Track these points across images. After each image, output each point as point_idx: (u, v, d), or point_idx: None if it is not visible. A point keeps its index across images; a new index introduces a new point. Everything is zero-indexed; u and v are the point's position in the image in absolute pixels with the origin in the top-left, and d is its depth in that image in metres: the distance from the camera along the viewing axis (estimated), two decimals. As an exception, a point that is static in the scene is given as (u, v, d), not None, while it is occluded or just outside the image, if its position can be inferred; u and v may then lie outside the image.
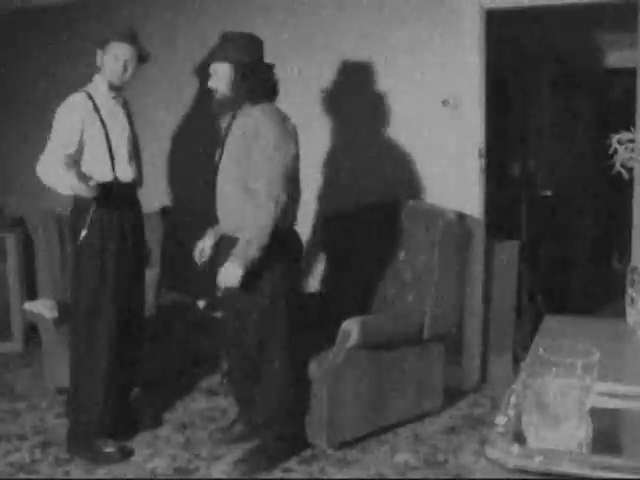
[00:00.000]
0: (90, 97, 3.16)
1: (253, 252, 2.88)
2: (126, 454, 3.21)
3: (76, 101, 3.14)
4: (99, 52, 3.18)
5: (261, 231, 2.88)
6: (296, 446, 3.19)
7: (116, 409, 3.24)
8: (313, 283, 4.03)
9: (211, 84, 3.02)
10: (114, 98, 3.23)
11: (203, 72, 3.14)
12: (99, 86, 3.21)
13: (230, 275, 2.90)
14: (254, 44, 3.03)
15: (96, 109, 3.15)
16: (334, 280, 3.88)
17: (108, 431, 3.21)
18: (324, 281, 3.99)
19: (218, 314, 3.46)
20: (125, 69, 3.16)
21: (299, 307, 3.16)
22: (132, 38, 3.17)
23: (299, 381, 3.15)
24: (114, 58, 3.14)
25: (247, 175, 2.95)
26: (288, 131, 2.97)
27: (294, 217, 3.11)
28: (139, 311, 3.36)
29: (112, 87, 3.20)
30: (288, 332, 3.06)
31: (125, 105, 3.32)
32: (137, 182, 3.32)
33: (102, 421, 3.19)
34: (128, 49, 3.15)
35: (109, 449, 3.18)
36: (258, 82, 3.01)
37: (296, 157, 3.01)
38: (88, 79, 3.25)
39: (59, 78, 4.53)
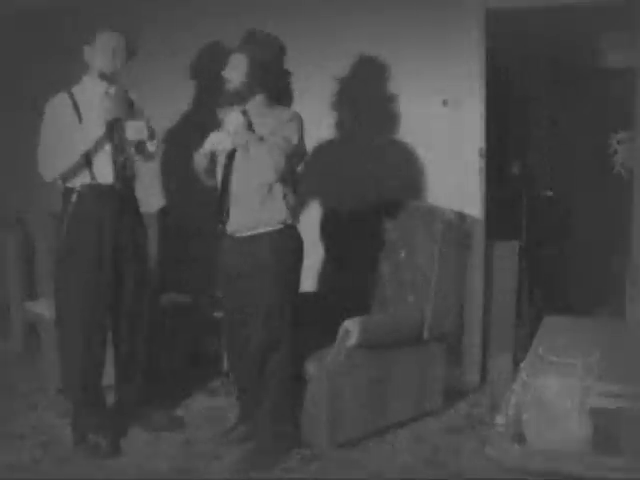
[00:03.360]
0: (71, 97, 3.18)
1: (253, 139, 2.95)
2: (115, 450, 3.23)
3: (52, 105, 3.19)
4: (87, 48, 3.19)
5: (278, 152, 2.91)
6: (293, 445, 3.20)
7: (97, 406, 3.32)
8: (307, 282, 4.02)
9: (224, 73, 3.04)
10: (103, 95, 3.18)
11: (201, 72, 3.16)
12: (85, 85, 3.22)
13: (235, 121, 2.99)
14: (276, 45, 3.07)
15: (76, 109, 3.16)
16: (334, 280, 3.88)
17: (94, 426, 3.26)
18: (324, 281, 3.98)
19: (219, 314, 3.46)
20: (114, 55, 3.17)
21: (300, 306, 3.18)
22: (117, 26, 3.19)
23: (296, 380, 3.16)
24: (102, 47, 3.16)
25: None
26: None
27: (297, 216, 3.15)
28: (131, 313, 3.35)
29: (103, 77, 3.20)
30: (292, 331, 3.08)
31: (123, 100, 3.26)
32: (123, 183, 3.25)
33: (82, 416, 3.27)
34: (115, 37, 3.17)
35: (99, 443, 3.22)
36: (275, 82, 3.04)
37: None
38: (73, 75, 3.27)
39: (60, 78, 4.52)
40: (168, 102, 4.41)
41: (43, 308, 3.83)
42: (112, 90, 3.23)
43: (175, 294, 4.23)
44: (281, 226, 3.04)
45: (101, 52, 3.16)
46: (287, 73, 3.12)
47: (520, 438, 1.34)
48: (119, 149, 3.23)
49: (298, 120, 3.03)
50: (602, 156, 5.57)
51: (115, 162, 3.21)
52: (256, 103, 3.06)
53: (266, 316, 3.02)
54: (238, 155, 3.06)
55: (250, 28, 3.09)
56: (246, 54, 3.01)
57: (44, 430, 3.48)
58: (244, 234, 3.06)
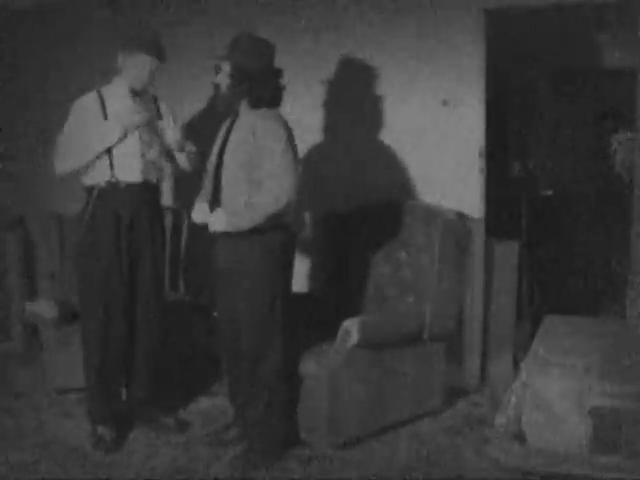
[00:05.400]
0: (100, 97, 3.24)
1: (245, 223, 2.97)
2: (118, 446, 3.27)
3: (81, 104, 3.25)
4: (121, 55, 3.23)
5: (263, 210, 2.94)
6: (288, 444, 3.20)
7: (110, 399, 3.37)
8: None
9: (216, 80, 3.08)
10: (132, 98, 3.25)
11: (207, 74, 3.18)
12: (116, 88, 3.28)
13: (216, 222, 3.01)
14: (261, 49, 3.06)
15: (103, 109, 3.22)
16: (334, 280, 3.88)
17: (104, 419, 3.32)
18: (324, 281, 3.98)
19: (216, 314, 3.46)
20: (149, 77, 3.25)
21: (297, 307, 3.18)
22: (158, 49, 3.23)
23: (292, 380, 3.17)
24: (140, 68, 3.21)
25: (255, 176, 2.99)
26: (290, 136, 3.04)
27: (290, 217, 3.12)
28: (145, 312, 3.38)
29: (134, 92, 3.27)
30: (285, 333, 3.08)
31: (151, 103, 3.35)
32: (149, 183, 3.30)
33: (95, 406, 3.34)
34: (154, 61, 3.22)
35: (104, 436, 3.28)
36: (260, 87, 3.04)
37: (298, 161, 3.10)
38: (98, 79, 3.30)
39: (63, 79, 4.53)
40: (182, 103, 4.40)
41: (43, 308, 3.83)
42: (137, 99, 3.29)
43: (175, 294, 4.23)
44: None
45: (138, 74, 3.21)
46: (278, 72, 3.11)
47: (520, 438, 1.34)
48: (149, 146, 3.28)
49: (272, 142, 2.99)
50: (602, 156, 5.58)
51: (144, 158, 3.26)
52: (246, 113, 3.08)
53: (255, 316, 3.03)
54: (227, 155, 3.06)
55: (238, 33, 3.10)
56: (229, 61, 3.04)
57: (44, 430, 3.48)
58: (235, 233, 3.07)
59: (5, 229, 4.71)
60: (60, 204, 4.34)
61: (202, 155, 3.43)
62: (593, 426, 1.33)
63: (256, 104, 3.05)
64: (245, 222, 2.97)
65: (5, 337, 4.65)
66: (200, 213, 3.14)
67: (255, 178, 2.99)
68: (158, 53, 3.23)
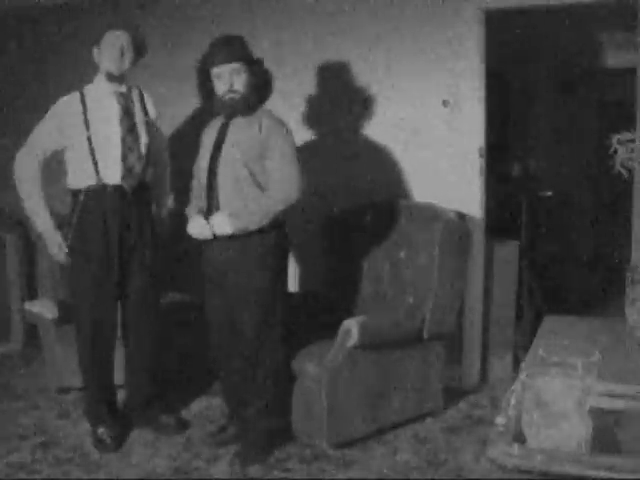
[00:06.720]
0: (82, 97, 3.18)
1: (253, 224, 2.94)
2: (118, 447, 3.27)
3: (60, 104, 3.20)
4: (95, 49, 3.18)
5: (272, 209, 2.94)
6: (284, 440, 3.22)
7: (107, 400, 3.38)
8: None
9: (234, 84, 2.96)
10: (114, 94, 3.19)
11: (201, 76, 3.12)
12: (97, 85, 3.22)
13: (221, 225, 2.96)
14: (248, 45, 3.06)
15: (84, 110, 3.16)
16: (333, 280, 3.88)
17: (103, 420, 3.33)
18: (324, 281, 3.98)
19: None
20: (122, 54, 3.14)
21: (296, 307, 3.18)
22: (126, 26, 3.16)
23: (287, 378, 3.20)
24: (110, 46, 3.13)
25: (261, 173, 2.98)
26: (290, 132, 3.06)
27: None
28: (140, 313, 3.36)
29: (112, 78, 3.18)
30: (283, 329, 3.09)
31: (134, 100, 3.27)
32: (132, 184, 3.23)
33: (94, 408, 3.35)
34: (122, 35, 3.14)
35: (104, 437, 3.28)
36: (262, 82, 3.05)
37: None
38: (86, 77, 3.26)
39: (58, 77, 4.53)
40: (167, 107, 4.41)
41: (43, 308, 3.83)
42: (123, 88, 3.24)
43: (175, 294, 4.23)
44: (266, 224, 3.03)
45: (108, 52, 3.13)
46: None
47: (520, 438, 1.34)
48: (130, 151, 3.21)
49: (278, 137, 3.00)
50: (602, 156, 5.58)
51: (124, 163, 3.19)
52: (264, 111, 3.05)
53: (254, 317, 3.03)
54: (226, 156, 3.04)
55: (219, 36, 3.02)
56: (242, 61, 2.97)
57: (44, 430, 3.49)
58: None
59: (5, 229, 4.71)
60: (59, 204, 4.34)
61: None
62: (593, 426, 1.33)
63: (260, 100, 3.05)
64: (253, 223, 2.95)
65: (5, 337, 4.65)
66: (198, 227, 3.06)
67: (262, 176, 2.99)
68: (132, 31, 3.16)
